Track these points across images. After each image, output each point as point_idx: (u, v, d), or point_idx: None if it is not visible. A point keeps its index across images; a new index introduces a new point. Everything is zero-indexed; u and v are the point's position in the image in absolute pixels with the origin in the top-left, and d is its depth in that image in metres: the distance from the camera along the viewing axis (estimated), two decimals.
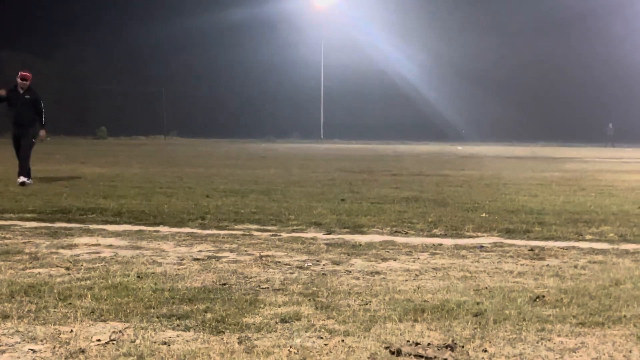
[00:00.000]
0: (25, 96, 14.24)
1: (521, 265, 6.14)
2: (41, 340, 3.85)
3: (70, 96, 74.84)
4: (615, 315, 4.48)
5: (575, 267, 6.06)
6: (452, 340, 3.92)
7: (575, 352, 3.79)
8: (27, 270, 5.67)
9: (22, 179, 13.61)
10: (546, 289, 5.14)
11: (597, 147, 50.98)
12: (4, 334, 3.95)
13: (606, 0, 67.93)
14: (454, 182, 15.41)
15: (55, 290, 4.91)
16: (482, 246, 7.07)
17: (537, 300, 4.81)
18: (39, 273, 5.58)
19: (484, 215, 9.46)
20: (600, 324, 4.29)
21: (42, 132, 14.45)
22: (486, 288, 5.17)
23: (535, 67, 72.87)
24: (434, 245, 7.13)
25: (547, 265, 6.14)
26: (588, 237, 7.75)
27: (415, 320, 4.30)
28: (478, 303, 4.71)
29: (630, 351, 3.82)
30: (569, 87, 71.46)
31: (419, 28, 72.28)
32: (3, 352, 3.66)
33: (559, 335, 4.06)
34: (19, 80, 14.20)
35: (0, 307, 4.46)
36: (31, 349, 3.72)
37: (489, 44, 72.41)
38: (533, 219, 9.02)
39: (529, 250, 6.85)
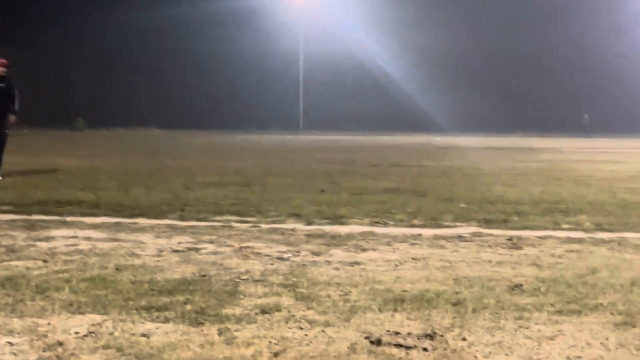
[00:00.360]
0: (1, 84, 13.83)
1: (499, 254, 6.18)
2: (18, 333, 3.83)
3: (46, 87, 74.18)
4: (592, 303, 4.52)
5: (552, 255, 6.10)
6: (432, 330, 3.93)
7: (552, 340, 3.82)
8: (4, 263, 5.63)
9: None
10: (524, 278, 5.18)
11: (574, 138, 51.32)
12: None
13: None
14: (433, 173, 15.47)
15: (32, 283, 4.88)
16: (460, 236, 7.10)
17: (515, 289, 4.85)
18: (16, 266, 5.54)
19: (462, 205, 9.50)
20: (577, 312, 4.33)
21: (12, 117, 14.01)
22: (465, 277, 5.20)
23: (513, 57, 73.13)
24: (413, 235, 7.16)
25: (525, 254, 6.18)
26: (565, 226, 7.81)
27: (395, 310, 4.32)
28: (457, 292, 4.73)
29: (607, 338, 3.86)
30: (546, 77, 71.87)
31: (397, 19, 72.28)
32: None
33: (536, 324, 4.09)
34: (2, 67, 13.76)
35: None
36: (8, 342, 3.69)
37: (466, 34, 72.61)
38: (511, 208, 9.07)
39: (507, 239, 6.90)
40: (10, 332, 3.84)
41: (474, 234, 7.23)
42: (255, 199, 10.10)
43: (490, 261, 5.86)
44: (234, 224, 7.83)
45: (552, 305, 4.46)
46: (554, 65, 71.76)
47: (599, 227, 7.71)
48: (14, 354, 3.52)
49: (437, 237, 7.03)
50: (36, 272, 5.28)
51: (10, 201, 9.67)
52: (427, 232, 7.40)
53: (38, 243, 6.57)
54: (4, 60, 13.98)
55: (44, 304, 4.39)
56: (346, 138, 47.97)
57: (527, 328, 4.01)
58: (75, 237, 6.95)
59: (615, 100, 66.83)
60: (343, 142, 38.72)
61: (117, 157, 20.90)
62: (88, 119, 66.07)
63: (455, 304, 4.45)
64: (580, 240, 6.88)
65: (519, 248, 6.48)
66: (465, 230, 7.53)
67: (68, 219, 8.21)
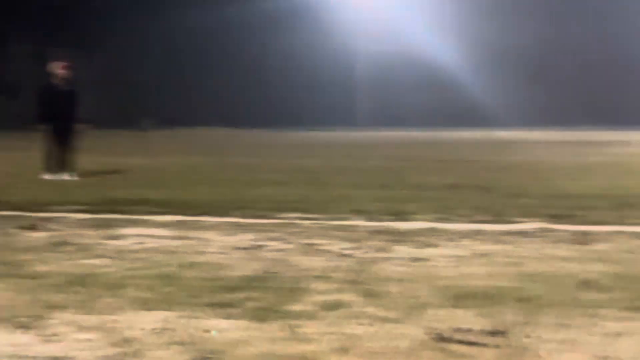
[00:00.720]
0: (65, 88, 13.91)
1: (566, 250, 6.09)
2: (91, 329, 3.92)
3: (112, 89, 75.62)
4: None
5: (621, 251, 5.99)
6: (497, 327, 3.90)
7: (621, 337, 3.75)
8: (76, 261, 5.77)
9: (63, 176, 13.46)
10: (592, 274, 5.09)
11: None
12: (56, 324, 4.03)
13: None
14: (496, 168, 15.30)
15: (102, 281, 5.00)
16: (526, 232, 7.01)
17: (583, 285, 4.77)
18: (87, 264, 5.67)
19: (527, 200, 9.38)
20: None
21: (82, 126, 14.20)
22: (531, 274, 5.14)
23: (580, 48, 71.70)
24: (477, 231, 7.10)
25: (592, 250, 6.07)
26: (633, 220, 7.65)
27: (460, 307, 4.29)
28: (522, 289, 4.68)
29: None
30: (616, 68, 70.21)
31: (456, 12, 71.62)
32: (56, 341, 3.74)
33: (604, 320, 4.02)
34: (59, 70, 13.82)
35: (51, 298, 4.55)
36: (82, 338, 3.79)
37: (530, 26, 71.45)
38: (577, 203, 8.92)
39: (573, 235, 6.78)
40: (83, 328, 3.94)
41: (540, 230, 7.14)
42: (318, 195, 10.14)
43: (556, 257, 5.77)
44: (297, 221, 7.87)
45: (620, 301, 4.38)
46: (622, 56, 70.07)
47: None
48: (88, 349, 3.62)
49: (501, 233, 6.96)
50: (106, 270, 5.40)
51: (81, 200, 9.91)
52: (492, 227, 7.33)
53: (108, 241, 6.71)
54: (65, 63, 14.02)
55: (113, 300, 4.49)
56: (406, 134, 47.74)
57: (594, 325, 3.94)
58: (143, 235, 7.08)
59: None
60: (403, 138, 38.56)
61: (181, 156, 21.21)
62: (153, 119, 67.16)
63: (520, 301, 4.40)
64: None
65: (586, 243, 6.37)
66: (530, 225, 7.43)
67: (136, 217, 8.37)
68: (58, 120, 13.76)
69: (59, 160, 13.78)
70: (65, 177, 13.41)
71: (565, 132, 47.16)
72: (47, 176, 13.38)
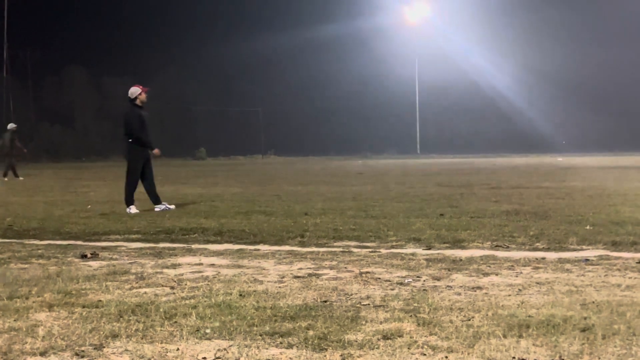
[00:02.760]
0: (145, 113, 13.42)
1: (629, 278, 5.94)
2: (149, 359, 3.95)
3: (169, 117, 76.85)
4: None
5: None
6: (559, 356, 3.82)
7: None
8: (134, 290, 5.84)
9: (164, 204, 13.16)
10: None
11: None
12: (114, 353, 4.07)
13: None
14: (555, 194, 15.06)
15: (161, 309, 5.03)
16: (587, 259, 6.87)
17: None
18: (145, 292, 5.73)
19: (588, 227, 9.20)
20: None
21: (157, 150, 13.61)
22: (593, 302, 5.02)
23: (637, 73, 70.58)
24: (536, 259, 6.98)
25: None
26: None
27: (520, 336, 4.21)
28: (585, 318, 4.58)
29: None
30: None
31: (512, 39, 71.25)
32: None
33: None
34: (143, 95, 13.27)
35: (109, 327, 4.60)
36: None
37: (586, 53, 70.72)
38: None
39: (637, 262, 6.62)
40: (142, 358, 3.97)
41: (601, 257, 6.98)
42: (374, 224, 10.10)
43: (619, 285, 5.64)
44: (353, 250, 7.85)
45: None
46: None
47: None
48: None
49: (561, 261, 6.83)
50: (164, 299, 5.45)
51: (138, 229, 10.05)
52: (551, 255, 7.20)
53: (165, 270, 6.78)
54: (146, 87, 13.52)
55: (172, 329, 4.52)
56: (463, 160, 47.40)
57: None
58: (201, 264, 7.14)
59: None
60: (460, 165, 38.28)
61: (237, 185, 21.38)
62: (209, 148, 67.97)
63: (583, 330, 4.30)
64: None
65: None
66: (591, 253, 7.28)
67: (193, 246, 8.45)
68: (150, 147, 13.41)
69: (153, 189, 13.37)
70: (170, 206, 13.17)
71: (626, 158, 46.29)
72: (134, 210, 12.93)
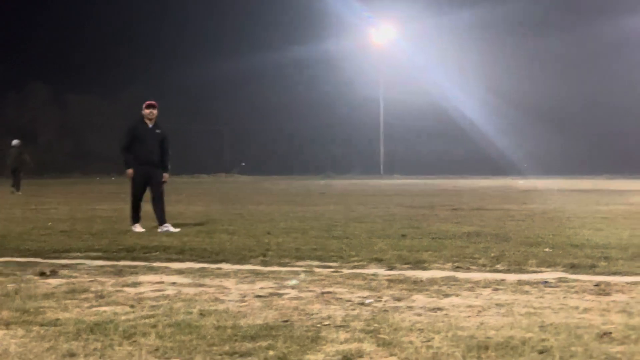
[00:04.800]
0: (156, 131, 12.79)
1: (587, 301, 6.02)
2: None
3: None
4: None
5: None
6: None
7: None
8: (93, 309, 5.78)
9: (166, 226, 12.46)
10: (613, 326, 5.03)
11: None
12: None
13: None
14: (515, 216, 15.21)
15: (120, 328, 4.99)
16: (546, 281, 6.95)
17: (604, 336, 4.71)
18: (105, 311, 5.67)
19: (547, 249, 9.31)
20: None
21: (166, 175, 13.07)
22: (551, 324, 5.08)
23: (598, 98, 71.80)
24: (496, 280, 7.04)
25: (614, 301, 6.00)
26: None
27: (479, 358, 4.25)
28: (543, 340, 4.63)
29: None
30: (634, 118, 70.10)
31: (477, 62, 72.08)
32: None
33: None
34: (146, 110, 12.68)
35: (67, 346, 4.55)
36: None
37: (549, 77, 71.80)
38: (598, 253, 8.83)
39: (594, 285, 6.71)
40: None
41: (560, 280, 7.07)
42: (337, 243, 10.12)
43: (577, 308, 5.71)
44: (315, 269, 7.86)
45: None
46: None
47: None
48: None
49: (521, 283, 6.90)
50: (124, 318, 5.40)
51: (100, 247, 9.96)
52: (511, 277, 7.27)
53: (126, 288, 6.72)
54: (150, 102, 12.88)
55: (131, 349, 4.48)
56: (426, 182, 47.72)
57: None
58: (162, 282, 7.09)
59: None
60: (423, 186, 38.52)
61: (200, 203, 21.28)
62: (173, 166, 67.64)
63: (541, 352, 4.35)
64: None
65: (608, 294, 6.30)
66: (550, 275, 7.37)
67: (154, 264, 8.39)
68: (148, 164, 12.73)
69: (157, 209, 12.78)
70: (171, 228, 12.42)
71: (586, 181, 46.96)
72: (139, 228, 12.54)
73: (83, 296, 6.31)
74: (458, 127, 70.41)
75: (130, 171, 12.73)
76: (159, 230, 12.36)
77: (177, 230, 12.32)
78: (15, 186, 29.70)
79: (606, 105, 71.63)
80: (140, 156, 12.68)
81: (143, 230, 12.40)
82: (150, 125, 12.73)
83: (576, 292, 6.43)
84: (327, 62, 76.67)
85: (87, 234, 11.88)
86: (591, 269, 7.73)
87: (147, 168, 12.70)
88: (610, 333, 4.79)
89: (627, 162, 64.68)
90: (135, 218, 12.73)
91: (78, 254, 9.42)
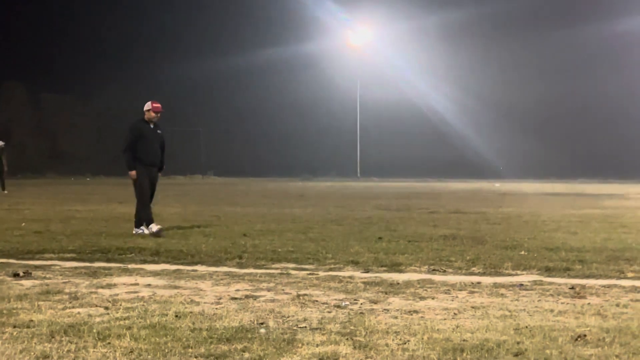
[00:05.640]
0: (157, 131, 12.55)
1: (562, 303, 6.06)
2: None
3: (109, 136, 75.92)
4: None
5: (617, 305, 5.96)
6: None
7: None
8: (67, 310, 5.73)
9: (157, 227, 12.01)
10: (588, 328, 5.06)
11: (638, 184, 50.26)
12: None
13: None
14: (492, 220, 15.29)
15: (94, 330, 4.95)
16: (521, 284, 6.99)
17: (579, 339, 4.74)
18: (79, 313, 5.62)
19: (523, 253, 9.36)
20: None
21: (132, 173, 12.37)
22: (526, 327, 5.10)
23: (575, 102, 72.36)
24: (472, 283, 7.07)
25: (588, 303, 6.05)
26: (630, 275, 7.63)
27: None
28: (518, 342, 4.64)
29: None
30: (611, 122, 70.76)
31: (455, 65, 72.41)
32: None
33: None
34: (152, 112, 12.39)
35: (40, 347, 4.51)
36: None
37: (527, 80, 72.25)
38: (573, 256, 8.90)
39: (569, 288, 6.76)
40: None
41: (535, 283, 7.11)
42: (313, 246, 10.11)
43: (552, 310, 5.74)
44: (291, 272, 7.84)
45: (617, 356, 4.35)
46: (620, 110, 70.69)
47: None
48: None
49: (497, 286, 6.93)
50: (98, 319, 5.35)
51: (74, 249, 9.87)
52: (487, 280, 7.30)
53: (100, 290, 6.67)
54: (158, 105, 12.56)
55: (105, 351, 4.44)
56: (403, 184, 47.83)
57: None
58: (137, 284, 7.05)
59: None
60: (400, 189, 38.62)
61: (176, 205, 21.16)
62: None
63: (516, 355, 4.37)
64: None
65: (582, 297, 6.34)
66: (526, 278, 7.41)
67: (129, 266, 8.34)
68: (152, 165, 12.50)
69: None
70: (147, 231, 12.02)
71: (561, 185, 47.30)
72: (146, 230, 12.03)
73: (57, 297, 6.26)
74: (435, 130, 70.67)
75: (134, 173, 12.30)
76: (135, 232, 12.14)
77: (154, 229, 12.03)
78: (1, 186, 29.77)
79: (582, 110, 72.23)
80: (146, 157, 12.35)
81: (160, 227, 11.99)
82: (151, 126, 12.49)
83: (551, 295, 6.47)
84: (304, 64, 76.66)
85: (61, 235, 11.77)
86: (566, 272, 7.79)
87: (152, 169, 12.47)
88: (585, 336, 4.81)
89: (602, 166, 65.29)
90: (149, 219, 12.16)
91: (52, 255, 9.34)
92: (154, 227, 11.97)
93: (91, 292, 6.54)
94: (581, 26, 69.29)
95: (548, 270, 7.87)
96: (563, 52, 73.11)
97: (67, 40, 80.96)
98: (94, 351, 4.43)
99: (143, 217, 12.24)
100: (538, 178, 58.79)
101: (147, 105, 12.47)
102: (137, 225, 12.28)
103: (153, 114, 12.41)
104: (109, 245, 10.20)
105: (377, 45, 74.07)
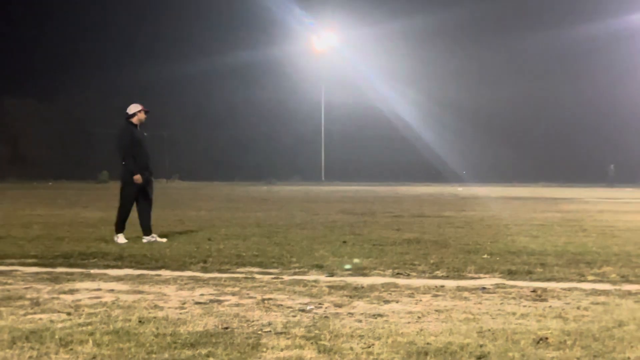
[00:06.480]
0: (144, 134, 12.11)
1: (524, 306, 6.12)
2: None
3: (71, 140, 75.12)
4: (619, 357, 4.46)
5: (578, 308, 6.04)
6: None
7: None
8: (29, 316, 5.66)
9: (154, 236, 11.69)
10: (549, 331, 5.13)
11: (598, 188, 50.99)
12: None
13: (608, 38, 68.46)
14: (455, 223, 15.40)
15: (56, 336, 4.90)
16: (484, 288, 7.05)
17: (541, 342, 4.80)
18: (40, 319, 5.56)
19: (485, 256, 9.45)
20: None
21: (137, 177, 11.75)
22: (489, 330, 5.15)
23: (535, 107, 73.26)
24: (436, 287, 7.12)
25: (550, 306, 6.12)
26: (590, 278, 7.73)
27: None
28: (481, 345, 4.69)
29: None
30: (570, 127, 71.76)
31: (419, 70, 72.83)
32: None
33: None
34: (142, 114, 11.95)
35: (1, 354, 4.45)
36: None
37: (488, 86, 72.94)
38: (535, 260, 9.01)
39: (531, 291, 6.84)
40: None
41: (498, 286, 7.18)
42: (278, 250, 10.10)
43: (514, 313, 5.80)
44: (256, 276, 7.83)
45: (578, 359, 4.41)
46: (578, 115, 71.68)
47: (626, 279, 7.62)
48: None
49: (460, 289, 6.99)
50: (60, 325, 5.30)
51: (35, 254, 9.75)
52: (450, 283, 7.36)
53: (62, 296, 6.60)
54: (146, 108, 12.13)
55: (67, 357, 4.40)
56: (367, 188, 47.98)
57: None
58: (99, 289, 6.98)
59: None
60: (364, 193, 38.72)
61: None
62: (112, 172, 66.66)
63: (479, 358, 4.41)
64: (606, 293, 6.81)
65: (544, 300, 6.42)
66: (488, 281, 7.48)
67: (92, 271, 8.26)
68: (146, 170, 11.97)
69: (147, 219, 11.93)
70: (158, 239, 11.64)
71: (523, 188, 47.78)
72: (122, 239, 11.54)
73: (18, 303, 6.18)
74: (399, 134, 70.95)
75: (139, 177, 11.71)
76: (145, 240, 11.58)
77: (164, 240, 11.63)
78: None
79: (542, 115, 73.16)
80: (140, 162, 11.84)
81: (125, 241, 11.44)
82: (139, 129, 12.04)
83: (513, 298, 6.53)
84: (268, 68, 76.56)
85: (22, 240, 11.62)
86: (528, 275, 7.87)
87: (146, 174, 11.95)
88: (547, 338, 4.87)
89: (562, 170, 66.16)
90: (123, 227, 11.81)
91: (13, 260, 9.22)
92: (121, 239, 11.52)
93: (53, 298, 6.47)
94: (543, 32, 70.23)
95: (510, 274, 7.96)
96: (524, 58, 74.03)
97: (27, 44, 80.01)
98: (56, 357, 4.39)
99: (120, 222, 11.78)
100: (500, 182, 59.39)
101: (135, 108, 11.99)
102: (147, 234, 11.76)
103: (143, 116, 11.98)
104: (71, 250, 10.10)
105: (341, 50, 74.25)
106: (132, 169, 11.68)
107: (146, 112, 12.06)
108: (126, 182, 11.80)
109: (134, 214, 11.86)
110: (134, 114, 11.95)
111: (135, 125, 11.99)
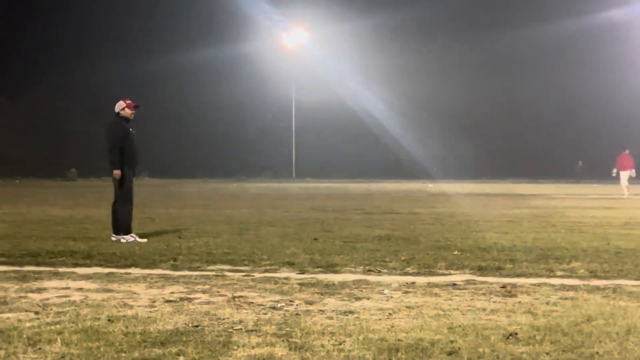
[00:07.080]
0: (132, 130, 12.01)
1: (494, 302, 6.16)
2: None
3: (39, 138, 74.36)
4: (587, 352, 4.50)
5: (547, 303, 6.09)
6: None
7: None
8: None
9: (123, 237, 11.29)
10: (519, 326, 5.16)
11: (565, 184, 51.51)
12: None
13: (574, 36, 69.19)
14: (425, 220, 15.46)
15: (24, 335, 4.84)
16: (454, 284, 7.08)
17: (510, 337, 4.83)
18: (8, 318, 5.49)
19: (456, 252, 9.49)
20: None
21: (116, 172, 11.65)
22: (459, 326, 5.18)
23: (504, 104, 73.83)
24: (407, 283, 7.14)
25: (519, 302, 6.16)
26: (559, 273, 7.80)
27: None
28: (452, 341, 4.71)
29: None
30: (538, 124, 72.47)
31: (388, 67, 73.05)
32: None
33: None
34: (127, 110, 11.86)
35: None
36: None
37: (457, 83, 73.41)
38: (504, 256, 9.07)
39: (501, 287, 6.88)
40: None
41: (468, 282, 7.22)
42: (248, 247, 10.07)
43: (484, 309, 5.84)
44: (227, 273, 7.80)
45: (547, 354, 4.44)
46: (545, 113, 72.40)
47: (594, 275, 7.70)
48: None
49: (430, 285, 7.01)
50: (28, 324, 5.24)
51: (2, 252, 9.63)
52: (421, 280, 7.38)
53: (30, 294, 6.52)
54: (130, 101, 12.05)
55: (36, 356, 4.35)
56: (338, 185, 48.04)
57: None
58: (68, 288, 6.91)
59: (606, 147, 67.15)
60: (335, 190, 38.77)
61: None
62: (80, 169, 66.08)
63: (450, 354, 4.42)
64: (574, 288, 6.87)
65: (514, 296, 6.46)
66: (459, 277, 7.51)
67: (60, 269, 8.17)
68: (136, 166, 11.97)
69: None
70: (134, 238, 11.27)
71: (492, 185, 48.12)
72: (130, 238, 11.22)
73: None
74: (369, 131, 71.17)
75: (118, 172, 11.61)
76: (113, 238, 11.33)
77: (144, 240, 11.31)
78: None
79: (511, 112, 73.75)
80: (132, 158, 11.82)
81: (145, 240, 11.21)
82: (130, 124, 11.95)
83: (483, 294, 6.57)
84: (238, 65, 76.37)
85: None
86: (498, 271, 7.93)
87: (135, 170, 12.00)
88: (516, 334, 4.91)
89: (531, 166, 66.78)
90: (130, 227, 11.55)
91: None
92: (130, 238, 11.25)
93: (21, 297, 6.39)
94: (511, 29, 70.74)
95: (480, 270, 8.01)
96: (493, 55, 74.56)
97: None
98: (24, 357, 4.34)
99: (128, 223, 11.56)
100: (470, 178, 59.78)
101: (119, 105, 11.90)
102: (117, 232, 11.43)
103: (129, 111, 11.87)
104: (39, 248, 9.98)
105: (311, 47, 74.27)
106: (115, 160, 11.58)
107: (134, 108, 11.99)
108: (125, 178, 11.75)
109: (105, 212, 11.69)
110: (121, 110, 11.89)
111: (127, 121, 11.93)
